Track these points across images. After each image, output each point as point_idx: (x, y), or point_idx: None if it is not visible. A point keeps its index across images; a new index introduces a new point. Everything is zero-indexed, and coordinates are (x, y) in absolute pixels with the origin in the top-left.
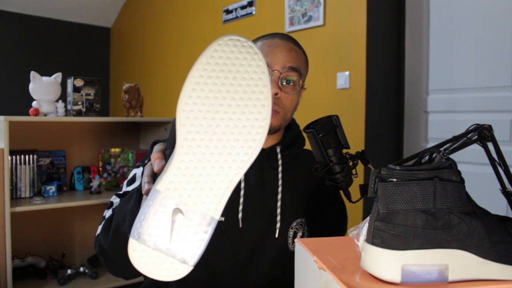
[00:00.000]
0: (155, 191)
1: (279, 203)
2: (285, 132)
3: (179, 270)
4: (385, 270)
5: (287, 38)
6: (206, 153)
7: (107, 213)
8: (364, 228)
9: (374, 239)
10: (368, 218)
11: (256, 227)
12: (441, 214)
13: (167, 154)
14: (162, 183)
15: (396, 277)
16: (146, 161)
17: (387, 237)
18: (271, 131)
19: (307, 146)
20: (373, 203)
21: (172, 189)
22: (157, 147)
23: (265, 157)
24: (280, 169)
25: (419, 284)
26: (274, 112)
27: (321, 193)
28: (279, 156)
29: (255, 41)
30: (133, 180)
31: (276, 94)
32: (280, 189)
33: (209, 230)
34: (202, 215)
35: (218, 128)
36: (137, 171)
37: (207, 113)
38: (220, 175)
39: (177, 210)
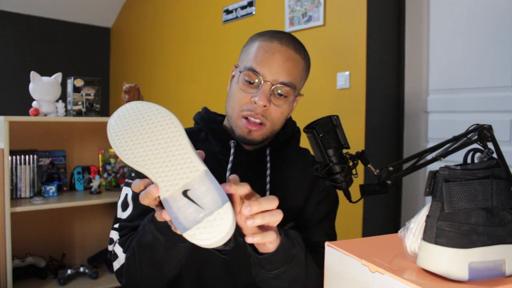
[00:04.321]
0: (165, 201)
1: None
2: (279, 132)
3: (225, 216)
4: (453, 269)
5: (287, 41)
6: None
7: (115, 247)
8: (414, 228)
9: (439, 238)
10: (415, 218)
11: (243, 234)
12: (496, 211)
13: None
14: (162, 193)
15: (464, 275)
16: (133, 174)
17: (452, 236)
18: (255, 144)
19: (303, 145)
20: (431, 203)
21: (169, 189)
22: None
23: (253, 159)
24: (268, 172)
25: (482, 281)
26: (260, 125)
27: (311, 195)
28: (268, 158)
29: (255, 36)
30: (126, 204)
31: (264, 106)
32: (267, 193)
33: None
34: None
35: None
36: (128, 191)
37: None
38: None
39: (184, 192)
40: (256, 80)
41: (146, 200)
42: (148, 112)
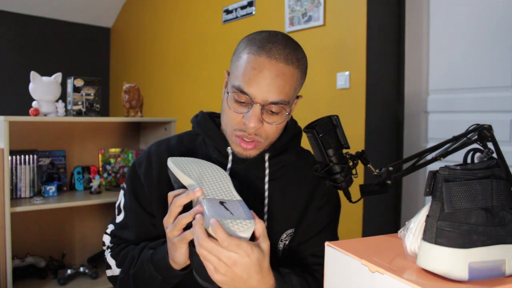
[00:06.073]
0: (203, 200)
1: (265, 216)
2: (280, 135)
3: (248, 226)
4: (453, 268)
5: (276, 53)
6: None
7: (108, 258)
8: (414, 228)
9: (439, 238)
10: (415, 218)
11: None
12: (496, 211)
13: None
14: (203, 195)
15: (464, 275)
16: (126, 185)
17: (452, 236)
18: (251, 157)
19: (304, 145)
20: (431, 203)
21: (209, 196)
22: (175, 198)
23: (252, 165)
24: (266, 179)
25: (482, 281)
26: (255, 143)
27: (312, 200)
28: (266, 164)
29: (245, 42)
30: (119, 209)
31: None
32: (266, 201)
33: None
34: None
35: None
36: (122, 196)
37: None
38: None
39: (221, 202)
40: (246, 101)
41: (184, 199)
42: (204, 162)
